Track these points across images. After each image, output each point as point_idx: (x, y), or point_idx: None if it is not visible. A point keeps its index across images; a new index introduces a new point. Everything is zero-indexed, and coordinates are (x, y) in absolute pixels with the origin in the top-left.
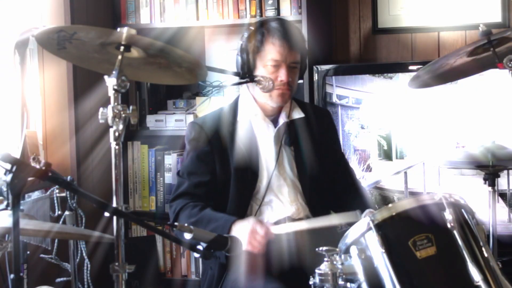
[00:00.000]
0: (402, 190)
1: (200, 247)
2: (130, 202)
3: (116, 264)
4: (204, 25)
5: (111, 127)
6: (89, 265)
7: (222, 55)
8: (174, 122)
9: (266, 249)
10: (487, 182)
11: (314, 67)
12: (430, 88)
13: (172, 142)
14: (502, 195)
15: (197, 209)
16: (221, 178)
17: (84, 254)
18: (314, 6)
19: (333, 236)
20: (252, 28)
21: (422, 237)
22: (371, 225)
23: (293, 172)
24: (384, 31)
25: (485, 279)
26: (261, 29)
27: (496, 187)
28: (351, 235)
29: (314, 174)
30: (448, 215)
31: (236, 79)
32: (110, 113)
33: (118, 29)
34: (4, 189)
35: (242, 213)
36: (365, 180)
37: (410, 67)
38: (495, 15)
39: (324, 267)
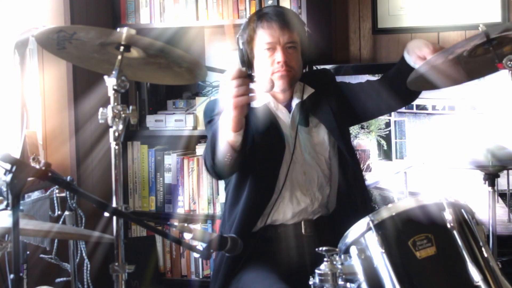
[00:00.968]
0: (402, 190)
1: (200, 247)
2: (130, 202)
3: (116, 264)
4: (204, 25)
5: (111, 127)
6: (89, 265)
7: (222, 55)
8: (174, 122)
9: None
10: (487, 182)
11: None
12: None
13: (172, 142)
14: (502, 195)
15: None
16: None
17: (84, 254)
18: (314, 6)
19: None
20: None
21: (422, 237)
22: (371, 225)
23: (311, 155)
24: (384, 31)
25: (485, 279)
26: (254, 18)
27: (496, 187)
28: (351, 235)
29: (341, 143)
30: (448, 215)
31: None
32: (110, 113)
33: (118, 29)
34: (4, 189)
35: (259, 207)
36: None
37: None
38: (495, 15)
39: (324, 267)
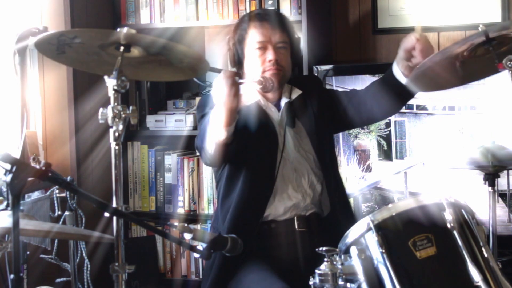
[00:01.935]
0: (402, 190)
1: (200, 247)
2: (130, 202)
3: (116, 264)
4: (204, 25)
5: (111, 127)
6: (89, 265)
7: (222, 55)
8: (174, 122)
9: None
10: (487, 182)
11: (314, 67)
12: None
13: (172, 142)
14: (502, 195)
15: None
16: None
17: (84, 254)
18: (314, 6)
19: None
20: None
21: (422, 237)
22: (371, 225)
23: (300, 153)
24: (384, 31)
25: (485, 280)
26: (245, 18)
27: (496, 187)
28: (351, 235)
29: (317, 148)
30: (448, 215)
31: (236, 78)
32: (110, 114)
33: (118, 29)
34: (4, 189)
35: (251, 200)
36: (365, 180)
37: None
38: (495, 15)
39: (324, 267)
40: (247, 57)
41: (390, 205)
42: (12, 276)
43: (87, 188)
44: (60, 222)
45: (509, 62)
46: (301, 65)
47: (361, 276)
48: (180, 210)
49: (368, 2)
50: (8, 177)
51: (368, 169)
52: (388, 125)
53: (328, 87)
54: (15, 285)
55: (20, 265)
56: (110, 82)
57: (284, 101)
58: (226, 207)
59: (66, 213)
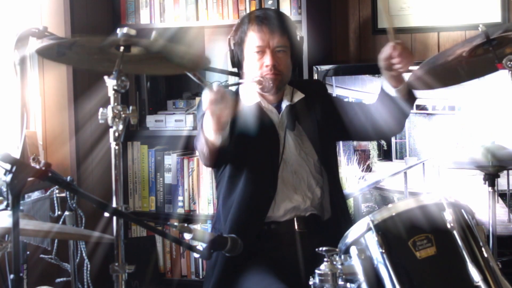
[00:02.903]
0: (402, 190)
1: (200, 247)
2: (130, 202)
3: (116, 264)
4: (204, 25)
5: (111, 127)
6: (89, 265)
7: (222, 55)
8: (174, 123)
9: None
10: (487, 182)
11: (314, 67)
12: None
13: (172, 143)
14: (502, 195)
15: None
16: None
17: (84, 254)
18: (314, 6)
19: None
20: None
21: (422, 237)
22: (371, 225)
23: (301, 156)
24: (384, 31)
25: (485, 280)
26: (245, 20)
27: (496, 187)
28: (351, 235)
29: (321, 153)
30: (448, 216)
31: (236, 79)
32: (110, 114)
33: (118, 29)
34: (4, 189)
35: (253, 201)
36: (365, 180)
37: (410, 67)
38: (495, 15)
39: (324, 267)
40: (246, 60)
41: (390, 205)
42: (12, 276)
43: (87, 188)
44: (60, 222)
45: (509, 62)
46: (301, 65)
47: (361, 276)
48: (180, 210)
49: (368, 2)
50: (8, 177)
51: (368, 169)
52: None
53: (328, 87)
54: (15, 285)
55: (20, 265)
56: (110, 82)
57: (285, 103)
58: (228, 208)
59: (66, 213)
